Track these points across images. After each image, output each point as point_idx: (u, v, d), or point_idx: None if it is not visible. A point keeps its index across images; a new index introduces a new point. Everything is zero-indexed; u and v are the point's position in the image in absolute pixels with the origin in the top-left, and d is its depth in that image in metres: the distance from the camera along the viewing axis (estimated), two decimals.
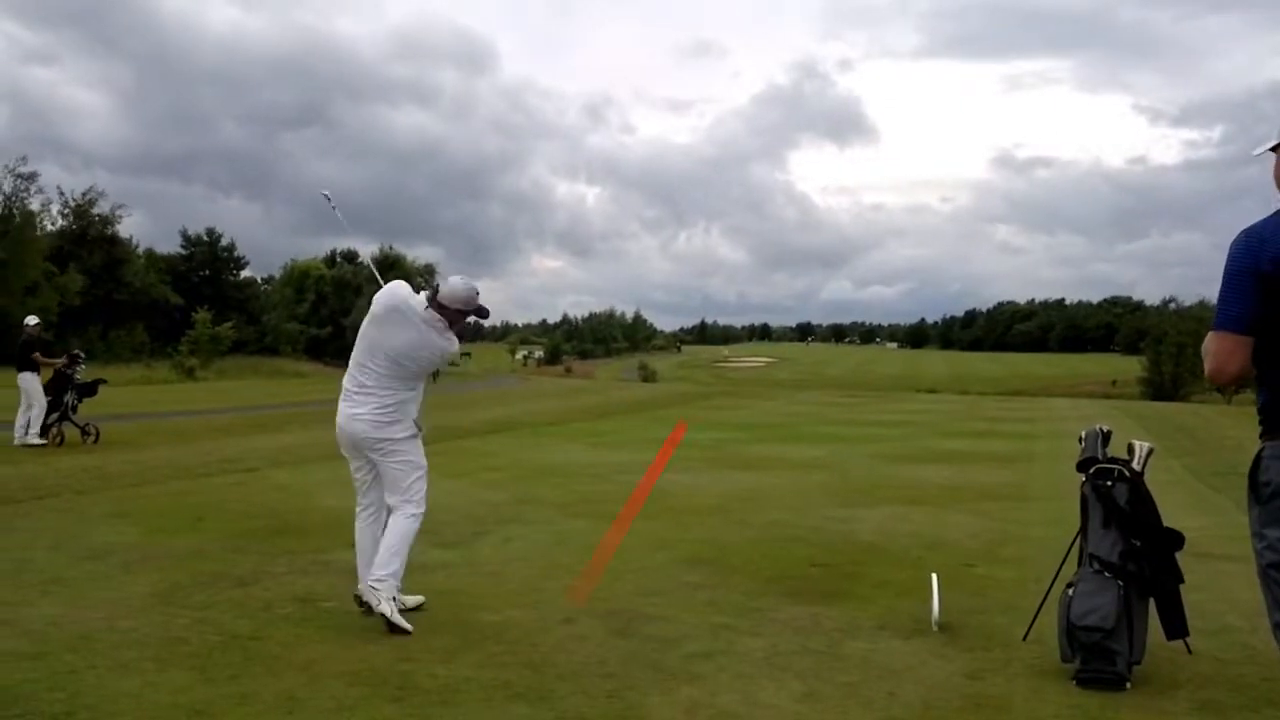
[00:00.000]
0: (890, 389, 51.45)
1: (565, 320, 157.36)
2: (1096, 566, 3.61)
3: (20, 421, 11.70)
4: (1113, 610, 3.44)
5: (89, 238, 49.64)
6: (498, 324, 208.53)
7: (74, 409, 12.09)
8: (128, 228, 61.61)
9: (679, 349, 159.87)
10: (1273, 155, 2.50)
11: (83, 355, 12.71)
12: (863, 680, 3.48)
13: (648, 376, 66.74)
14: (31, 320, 12.70)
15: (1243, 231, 2.47)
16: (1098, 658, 3.41)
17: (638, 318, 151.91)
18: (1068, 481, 9.95)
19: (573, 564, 5.37)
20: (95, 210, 50.56)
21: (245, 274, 66.71)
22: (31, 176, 42.79)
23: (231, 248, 64.15)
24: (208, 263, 62.68)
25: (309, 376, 42.68)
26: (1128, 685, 3.40)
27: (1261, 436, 2.48)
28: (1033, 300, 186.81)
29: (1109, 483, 3.72)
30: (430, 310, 4.25)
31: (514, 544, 5.97)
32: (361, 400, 4.23)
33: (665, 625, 4.12)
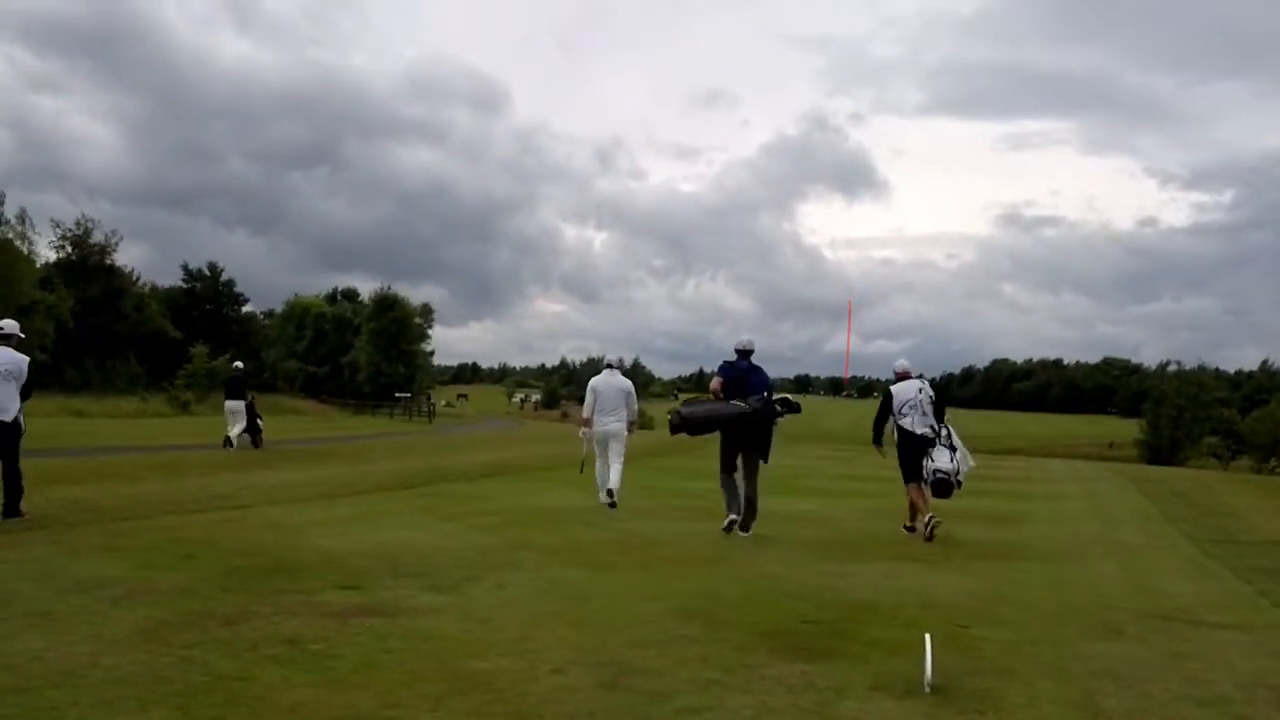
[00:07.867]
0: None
1: (563, 364, 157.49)
2: None
3: (232, 433, 17.86)
4: None
5: (87, 267, 49.75)
6: (495, 366, 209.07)
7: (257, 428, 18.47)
8: (131, 259, 61.78)
9: (676, 396, 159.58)
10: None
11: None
12: None
13: (644, 424, 66.40)
14: (239, 364, 19.59)
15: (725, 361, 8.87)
16: None
17: (636, 364, 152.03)
18: (1065, 542, 9.92)
19: (565, 612, 5.32)
20: (92, 240, 50.74)
21: (246, 309, 66.88)
22: None
23: (231, 283, 64.38)
24: (209, 297, 62.82)
25: (306, 414, 42.60)
26: None
27: None
28: (1030, 359, 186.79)
29: None
30: (610, 369, 10.70)
31: (506, 590, 5.92)
32: (614, 417, 10.39)
33: (656, 679, 4.08)
